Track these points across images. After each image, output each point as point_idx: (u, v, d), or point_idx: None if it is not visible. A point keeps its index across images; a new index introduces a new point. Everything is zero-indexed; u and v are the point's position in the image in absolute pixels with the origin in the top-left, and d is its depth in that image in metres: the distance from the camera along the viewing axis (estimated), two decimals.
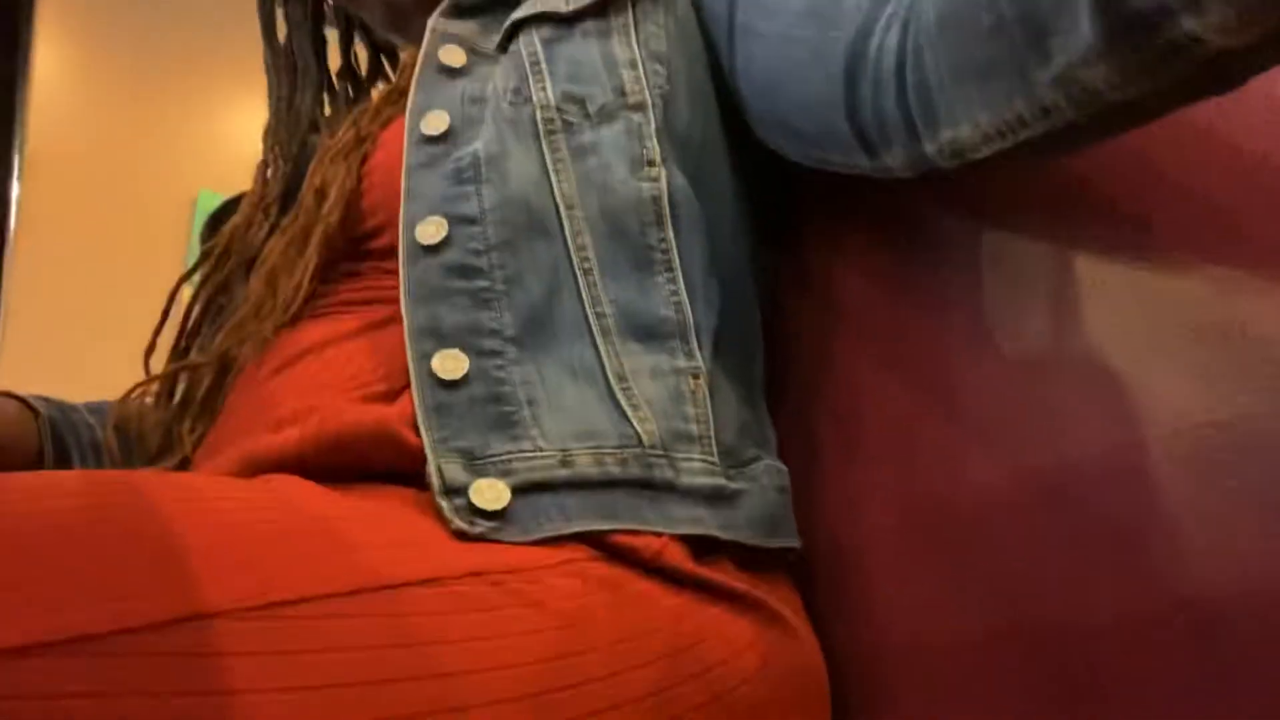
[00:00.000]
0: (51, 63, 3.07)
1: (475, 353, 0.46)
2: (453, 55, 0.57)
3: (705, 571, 0.43)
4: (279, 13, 0.72)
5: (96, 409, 0.71)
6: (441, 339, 0.46)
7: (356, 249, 0.55)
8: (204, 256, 0.63)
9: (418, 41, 0.59)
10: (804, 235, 0.62)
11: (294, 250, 0.55)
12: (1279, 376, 0.35)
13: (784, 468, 0.53)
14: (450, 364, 0.45)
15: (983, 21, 0.36)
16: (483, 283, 0.48)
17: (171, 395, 0.58)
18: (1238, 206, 0.38)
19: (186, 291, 0.65)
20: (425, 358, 0.45)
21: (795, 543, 0.51)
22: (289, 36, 0.71)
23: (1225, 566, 0.35)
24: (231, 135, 3.44)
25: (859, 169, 0.48)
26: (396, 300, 0.48)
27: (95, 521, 0.30)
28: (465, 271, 0.48)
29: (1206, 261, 0.38)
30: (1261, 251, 0.37)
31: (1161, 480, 0.38)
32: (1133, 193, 0.42)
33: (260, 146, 0.68)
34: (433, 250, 0.48)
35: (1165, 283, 0.40)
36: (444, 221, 0.49)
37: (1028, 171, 0.46)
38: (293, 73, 0.69)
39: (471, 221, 0.49)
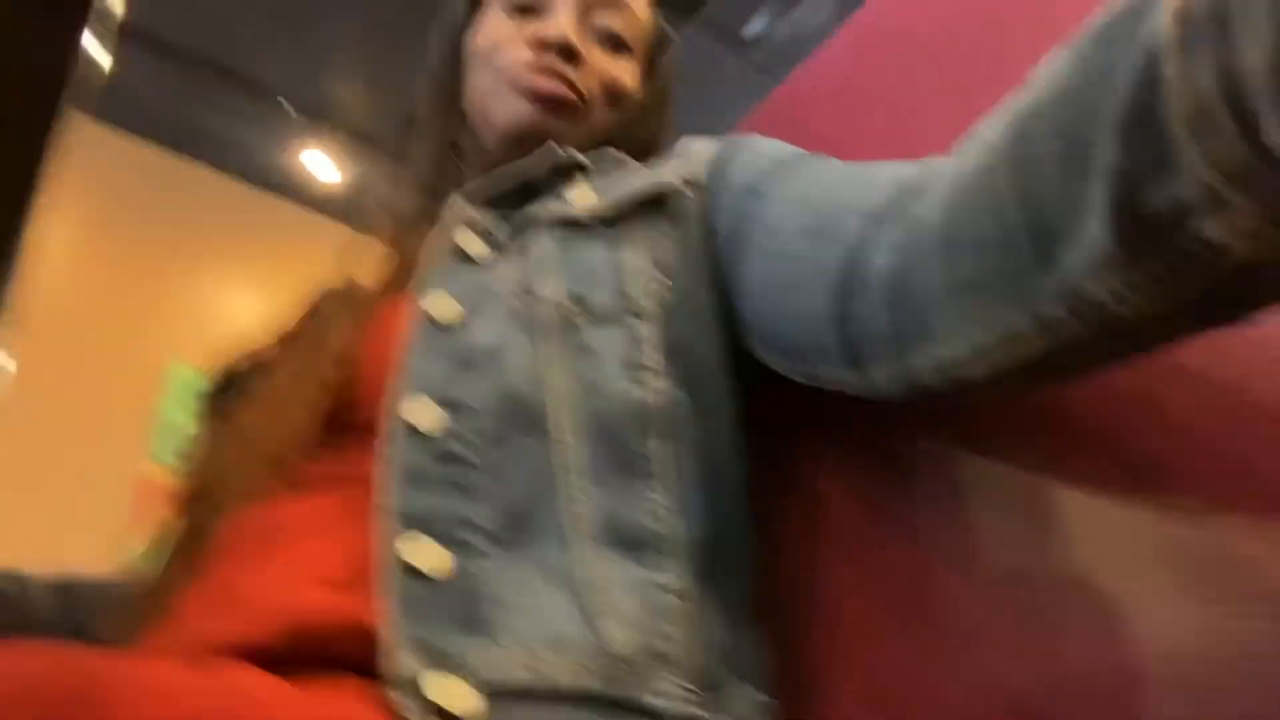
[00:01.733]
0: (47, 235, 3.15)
1: (451, 545, 0.44)
2: (468, 241, 0.59)
3: None
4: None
5: (61, 587, 0.68)
6: (418, 527, 0.45)
7: (344, 418, 0.54)
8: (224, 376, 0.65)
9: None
10: (792, 448, 0.62)
11: (287, 400, 0.55)
12: (1277, 604, 0.34)
13: (764, 699, 0.50)
14: (423, 555, 0.44)
15: (988, 231, 0.35)
16: (469, 474, 0.47)
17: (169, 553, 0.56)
18: (1241, 446, 0.38)
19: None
20: (397, 546, 0.44)
21: None
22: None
23: None
24: (207, 313, 3.51)
25: (846, 385, 0.47)
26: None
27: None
28: (449, 459, 0.47)
29: (1205, 491, 0.38)
30: (1260, 483, 0.37)
31: (1151, 707, 0.37)
32: (1132, 425, 0.42)
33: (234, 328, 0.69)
34: (420, 434, 0.48)
35: (1161, 511, 0.40)
36: (435, 406, 0.49)
37: (1020, 399, 0.47)
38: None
39: (464, 409, 0.49)
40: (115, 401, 3.04)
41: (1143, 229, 0.29)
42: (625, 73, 0.71)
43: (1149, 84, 0.27)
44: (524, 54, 0.67)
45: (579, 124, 0.68)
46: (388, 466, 0.46)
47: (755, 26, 2.87)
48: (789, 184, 0.53)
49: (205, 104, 3.54)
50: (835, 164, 0.53)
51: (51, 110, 0.25)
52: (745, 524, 0.56)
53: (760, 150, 0.58)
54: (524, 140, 0.66)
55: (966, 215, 0.37)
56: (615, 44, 0.70)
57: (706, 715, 0.44)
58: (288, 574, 0.45)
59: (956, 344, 0.38)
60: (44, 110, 0.25)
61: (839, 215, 0.46)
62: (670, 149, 0.66)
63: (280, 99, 3.49)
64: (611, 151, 0.66)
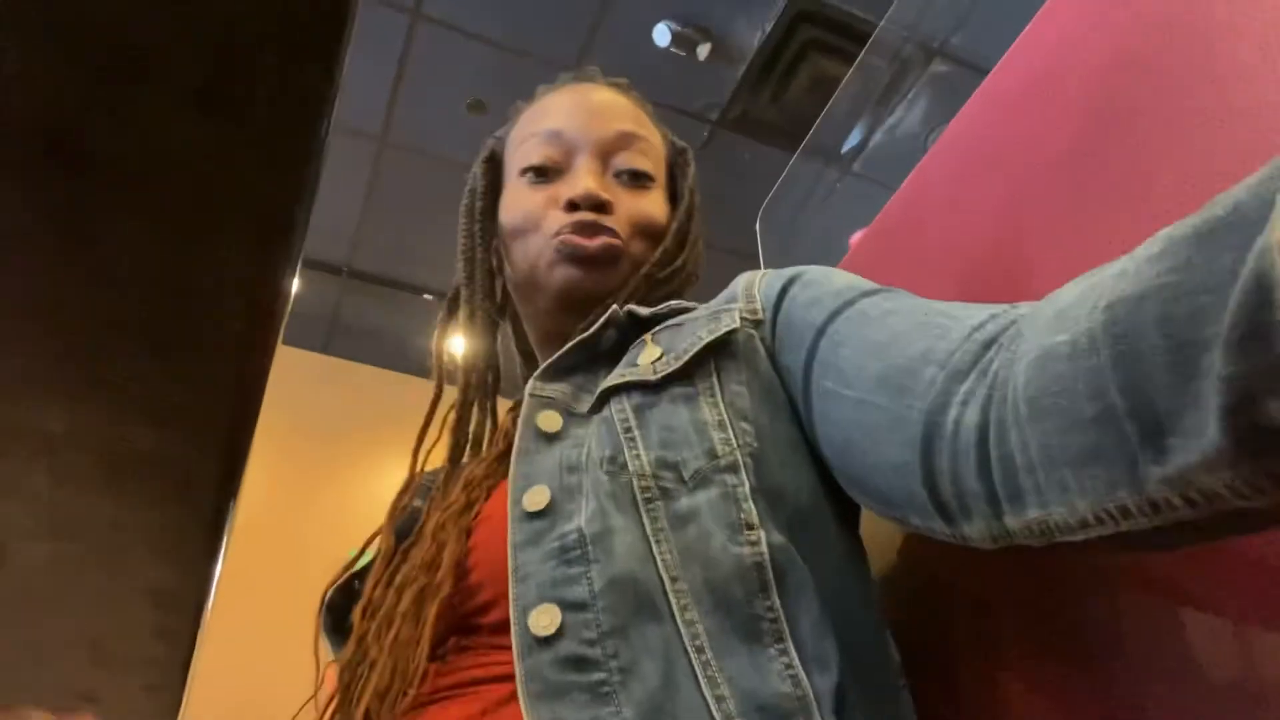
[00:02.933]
0: None
1: None
2: (549, 420, 0.58)
3: None
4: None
5: None
6: None
7: (466, 623, 0.56)
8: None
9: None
10: (923, 549, 0.60)
11: (410, 622, 0.56)
12: None
13: None
14: None
15: (1084, 410, 0.34)
16: (599, 675, 0.47)
17: None
18: None
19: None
20: None
21: None
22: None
23: None
24: (379, 499, 3.71)
25: (936, 534, 0.46)
26: (512, 677, 0.47)
27: None
28: (580, 664, 0.47)
29: None
30: None
31: None
32: None
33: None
34: (546, 642, 0.48)
35: None
36: (555, 609, 0.48)
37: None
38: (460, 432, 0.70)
39: (582, 607, 0.49)
40: (299, 594, 3.20)
41: (1260, 434, 0.28)
42: (653, 204, 0.73)
43: (1264, 305, 0.27)
44: (558, 218, 0.69)
45: (623, 267, 0.69)
46: (522, 682, 0.47)
47: (852, 141, 2.94)
48: (858, 326, 0.52)
49: (354, 308, 3.86)
50: (904, 303, 0.52)
51: (268, 339, 0.29)
52: (884, 648, 0.54)
53: (822, 285, 0.58)
54: (577, 299, 0.68)
55: (1058, 390, 0.36)
56: (637, 179, 0.73)
57: None
58: None
59: (1058, 512, 0.37)
60: (262, 339, 0.29)
61: (915, 366, 0.46)
62: (730, 285, 0.65)
63: (425, 295, 3.77)
64: (675, 304, 0.66)
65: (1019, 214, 0.64)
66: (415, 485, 0.67)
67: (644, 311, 0.64)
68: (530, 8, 2.65)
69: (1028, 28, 0.70)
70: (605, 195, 0.70)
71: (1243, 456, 0.29)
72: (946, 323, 0.46)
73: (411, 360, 4.11)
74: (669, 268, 0.71)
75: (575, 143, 0.73)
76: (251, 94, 0.19)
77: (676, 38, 2.69)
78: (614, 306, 0.64)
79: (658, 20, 2.67)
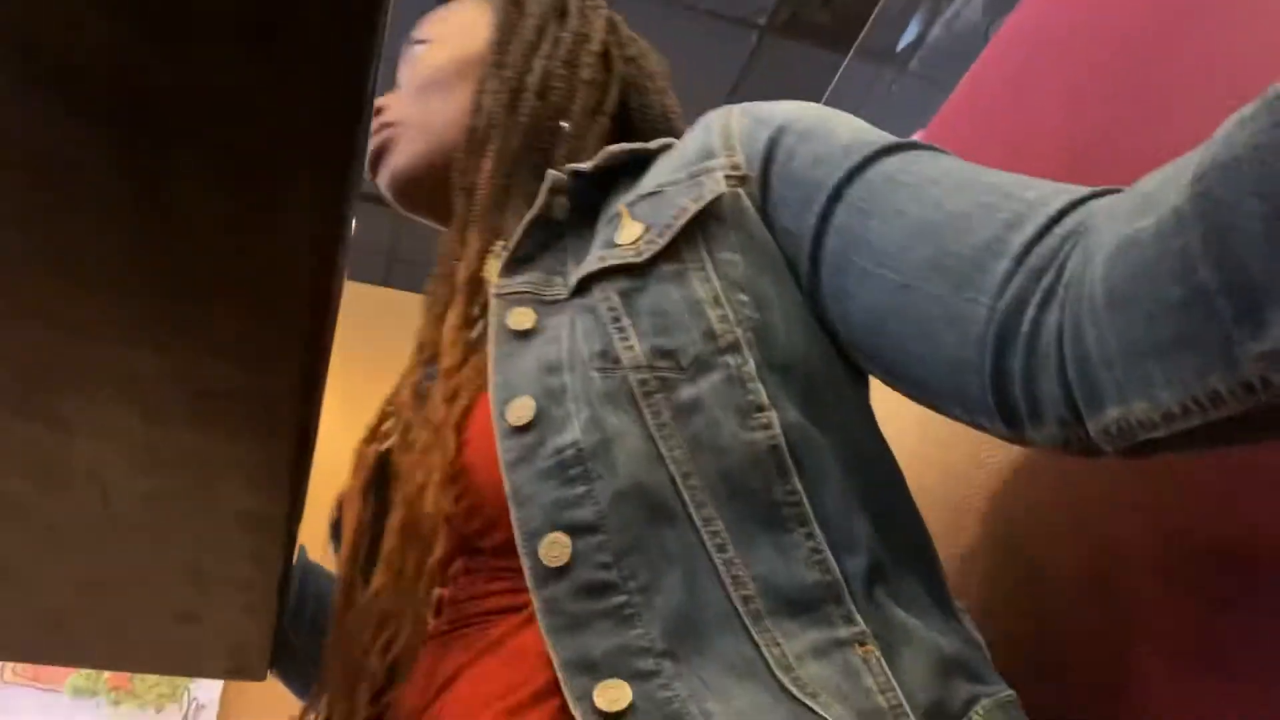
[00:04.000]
0: None
1: (632, 677, 0.43)
2: (520, 317, 0.53)
3: None
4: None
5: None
6: (595, 670, 0.43)
7: (468, 545, 0.52)
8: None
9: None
10: None
11: (408, 551, 0.52)
12: None
13: (1010, 692, 0.47)
14: (611, 694, 0.42)
15: (1170, 294, 0.32)
16: (619, 598, 0.44)
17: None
18: None
19: None
20: (586, 695, 0.42)
21: None
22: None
23: None
24: None
25: (987, 431, 0.44)
26: (525, 603, 0.46)
27: None
28: (599, 590, 0.45)
29: None
30: None
31: None
32: None
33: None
34: (560, 573, 0.45)
35: None
36: (564, 537, 0.46)
37: None
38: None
39: (592, 529, 0.46)
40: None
41: None
42: (426, 60, 0.71)
43: None
44: None
45: (410, 138, 0.69)
46: (542, 615, 0.45)
47: (908, 38, 2.83)
48: (888, 193, 0.47)
49: (412, 240, 3.89)
50: (944, 168, 0.47)
51: (334, 271, 0.30)
52: (914, 512, 0.52)
53: (825, 137, 0.52)
54: (397, 196, 0.70)
55: (1140, 276, 0.34)
56: (412, 60, 0.72)
57: None
58: (475, 713, 0.46)
59: (1140, 406, 0.34)
60: (328, 272, 0.30)
61: (978, 257, 0.42)
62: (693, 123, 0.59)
63: None
64: (618, 149, 0.58)
65: (1084, 105, 0.61)
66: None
67: (587, 166, 0.58)
68: None
69: None
70: (382, 101, 0.72)
71: None
72: (1019, 208, 0.42)
73: None
74: (515, 90, 0.63)
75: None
76: (300, 27, 0.20)
77: None
78: (549, 171, 0.57)
79: None
